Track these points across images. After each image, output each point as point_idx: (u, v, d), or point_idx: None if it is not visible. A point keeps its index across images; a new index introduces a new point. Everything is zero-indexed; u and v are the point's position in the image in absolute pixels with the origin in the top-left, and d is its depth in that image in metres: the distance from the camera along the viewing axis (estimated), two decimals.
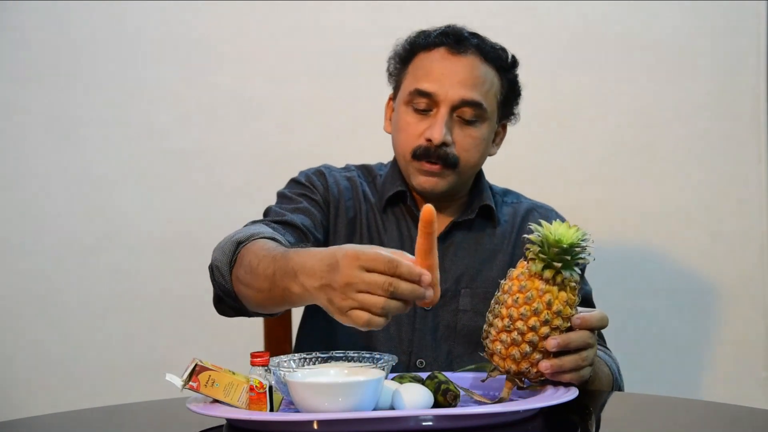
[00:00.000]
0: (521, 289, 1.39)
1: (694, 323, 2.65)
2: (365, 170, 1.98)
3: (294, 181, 1.93)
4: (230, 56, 2.64)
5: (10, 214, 2.59)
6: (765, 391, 2.62)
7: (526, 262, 1.42)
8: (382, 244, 1.86)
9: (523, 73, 2.64)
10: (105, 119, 2.62)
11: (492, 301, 1.44)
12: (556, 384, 1.43)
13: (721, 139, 2.65)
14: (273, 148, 2.63)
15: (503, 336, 1.39)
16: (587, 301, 1.88)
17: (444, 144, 1.80)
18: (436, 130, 1.79)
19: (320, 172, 1.93)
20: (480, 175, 1.94)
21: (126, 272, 2.62)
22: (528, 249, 1.41)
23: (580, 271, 1.41)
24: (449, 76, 1.81)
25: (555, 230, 1.38)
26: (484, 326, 1.44)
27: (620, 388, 1.73)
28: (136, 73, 2.63)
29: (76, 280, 2.60)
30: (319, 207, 1.87)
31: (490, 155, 1.92)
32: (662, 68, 2.65)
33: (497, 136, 1.93)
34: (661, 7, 2.63)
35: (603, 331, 1.88)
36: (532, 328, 1.38)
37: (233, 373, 1.38)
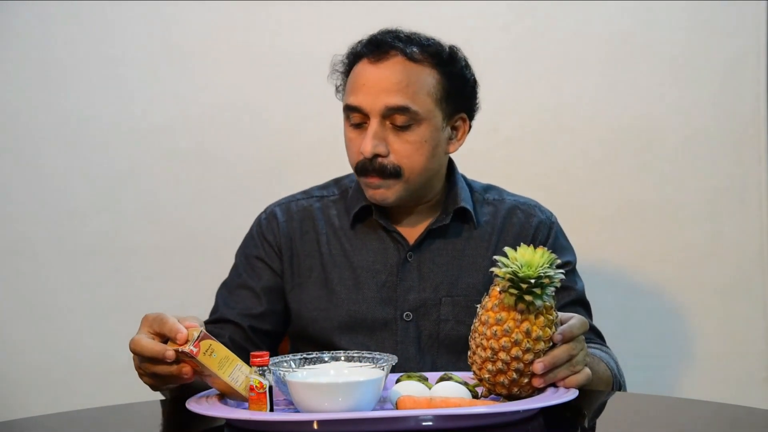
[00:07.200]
0: (498, 321, 1.38)
1: (694, 323, 2.65)
2: (335, 187, 1.94)
3: (248, 236, 1.93)
4: (230, 56, 2.63)
5: (10, 215, 2.59)
6: (765, 391, 2.62)
7: (498, 291, 1.40)
8: (351, 265, 1.83)
9: (523, 73, 2.64)
10: (105, 119, 2.61)
11: (471, 328, 1.43)
12: (556, 384, 1.43)
13: (721, 139, 2.64)
14: (273, 148, 2.63)
15: (488, 365, 1.39)
16: (580, 300, 1.85)
17: (378, 155, 1.75)
18: (365, 143, 1.74)
19: (273, 216, 1.90)
20: (453, 174, 1.87)
21: (126, 272, 2.61)
22: (497, 283, 1.39)
23: (553, 295, 1.38)
24: (371, 86, 1.76)
25: (522, 259, 1.36)
26: (469, 352, 1.43)
27: (621, 385, 1.73)
28: (136, 73, 2.62)
29: (75, 279, 2.60)
30: (267, 264, 1.86)
31: (448, 153, 1.84)
32: (662, 68, 2.65)
33: (458, 131, 1.83)
34: (661, 7, 2.63)
35: (601, 329, 1.89)
36: (516, 358, 1.38)
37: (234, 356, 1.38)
